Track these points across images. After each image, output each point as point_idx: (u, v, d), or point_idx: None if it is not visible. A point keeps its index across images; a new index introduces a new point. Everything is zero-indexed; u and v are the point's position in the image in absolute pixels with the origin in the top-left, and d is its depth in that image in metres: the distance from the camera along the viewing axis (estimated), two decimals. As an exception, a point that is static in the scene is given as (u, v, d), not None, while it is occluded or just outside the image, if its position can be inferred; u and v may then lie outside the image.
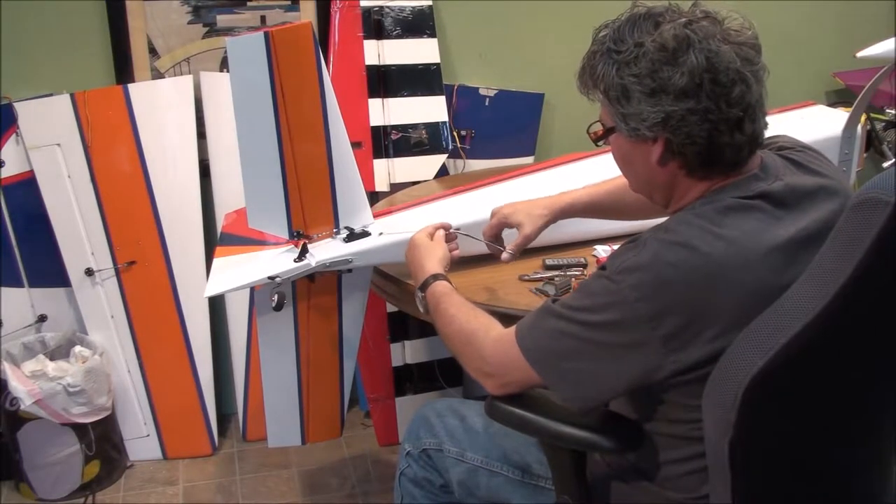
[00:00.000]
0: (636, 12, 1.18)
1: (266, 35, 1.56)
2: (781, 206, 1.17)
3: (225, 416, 2.68)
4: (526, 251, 1.80)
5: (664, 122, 1.15)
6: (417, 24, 2.47)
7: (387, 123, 2.45)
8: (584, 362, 1.18)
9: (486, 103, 2.60)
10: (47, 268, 2.39)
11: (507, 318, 1.40)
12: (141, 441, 2.52)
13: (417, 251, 1.58)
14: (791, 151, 1.29)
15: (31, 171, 2.32)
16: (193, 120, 2.40)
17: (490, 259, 1.80)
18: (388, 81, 2.45)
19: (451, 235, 1.64)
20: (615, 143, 1.26)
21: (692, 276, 1.11)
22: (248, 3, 2.42)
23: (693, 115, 1.13)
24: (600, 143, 1.29)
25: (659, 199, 1.28)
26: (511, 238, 1.67)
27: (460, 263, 1.79)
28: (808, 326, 0.98)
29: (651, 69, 1.14)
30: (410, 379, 2.56)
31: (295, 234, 1.71)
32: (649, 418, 1.25)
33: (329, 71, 2.28)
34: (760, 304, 1.08)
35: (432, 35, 2.49)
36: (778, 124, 2.16)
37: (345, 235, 1.74)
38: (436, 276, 1.49)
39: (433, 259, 1.54)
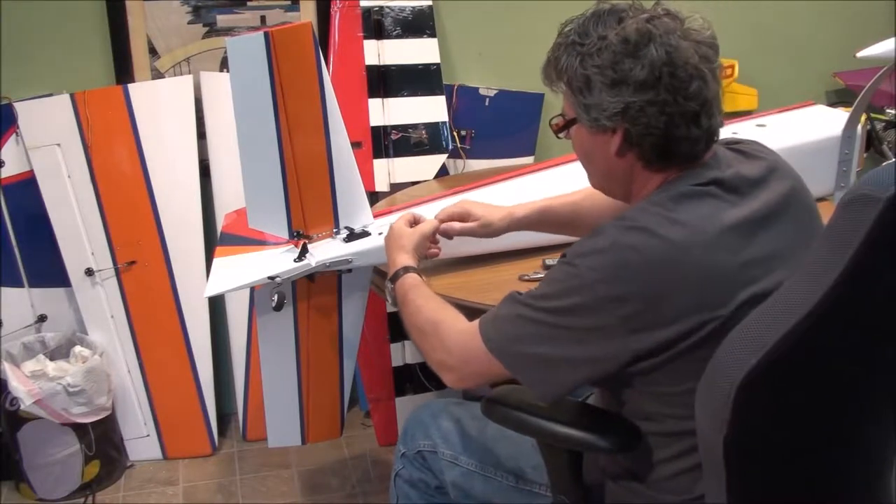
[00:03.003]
0: (601, 8, 1.22)
1: (266, 35, 1.56)
2: (734, 191, 1.21)
3: (225, 416, 2.68)
4: (526, 251, 1.81)
5: (623, 112, 1.18)
6: (417, 24, 2.47)
7: (387, 123, 2.45)
8: (545, 347, 1.19)
9: (486, 103, 2.60)
10: (47, 268, 2.39)
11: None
12: (141, 441, 2.53)
13: (389, 241, 1.59)
14: (738, 144, 1.34)
15: (31, 171, 2.32)
16: (193, 120, 2.40)
17: (490, 259, 1.81)
18: (388, 81, 2.45)
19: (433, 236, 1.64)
20: (576, 135, 1.29)
21: (651, 258, 1.13)
22: (248, 3, 2.42)
23: (651, 107, 1.17)
24: (561, 134, 1.32)
25: (618, 192, 1.31)
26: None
27: (459, 263, 1.79)
28: (800, 323, 0.98)
29: (613, 61, 1.17)
30: (410, 379, 2.55)
31: (295, 234, 1.71)
32: (628, 416, 1.26)
33: (329, 71, 2.28)
34: (719, 284, 1.12)
35: (432, 35, 2.49)
36: (778, 124, 2.18)
37: (345, 235, 1.74)
38: (406, 269, 1.49)
39: (404, 251, 1.54)
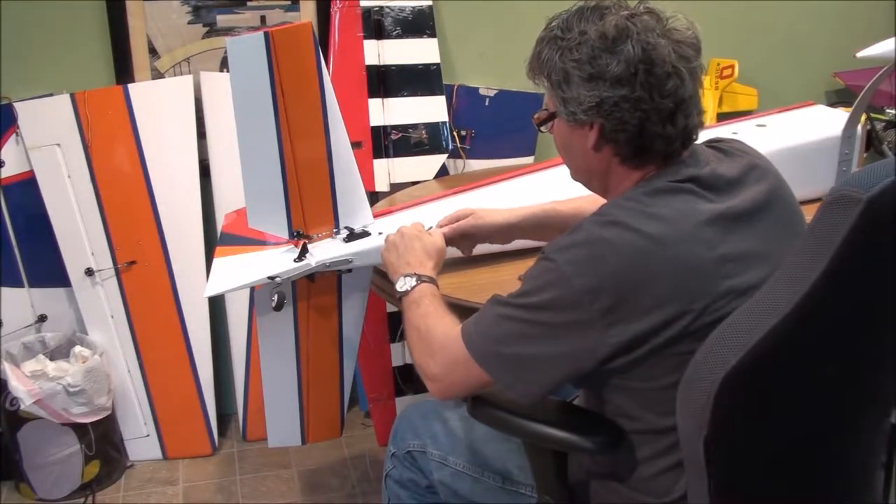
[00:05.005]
0: (586, 4, 1.24)
1: (266, 35, 1.56)
2: (711, 189, 1.21)
3: (225, 416, 2.68)
4: (526, 251, 1.80)
5: (598, 106, 1.20)
6: (417, 24, 2.47)
7: (387, 123, 2.45)
8: (524, 346, 1.20)
9: (486, 103, 2.60)
10: (47, 268, 2.39)
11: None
12: (141, 441, 2.53)
13: (418, 243, 1.54)
14: (720, 143, 1.34)
15: (31, 171, 2.32)
16: (193, 120, 2.40)
17: (490, 259, 1.80)
18: (388, 81, 2.45)
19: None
20: (557, 129, 1.31)
21: (626, 250, 1.14)
22: (248, 3, 2.42)
23: (626, 103, 1.18)
24: (543, 128, 1.34)
25: (597, 187, 1.33)
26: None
27: (459, 263, 1.80)
28: (780, 324, 0.98)
29: (591, 56, 1.19)
30: (410, 379, 2.56)
31: (295, 234, 1.71)
32: (606, 416, 1.27)
33: (329, 71, 2.28)
34: (694, 277, 1.13)
35: (432, 35, 2.49)
36: (778, 124, 2.18)
37: (345, 235, 1.74)
38: (432, 279, 1.49)
39: (434, 263, 1.52)
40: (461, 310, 1.40)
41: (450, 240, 1.65)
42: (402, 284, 1.46)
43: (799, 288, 0.96)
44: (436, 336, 1.33)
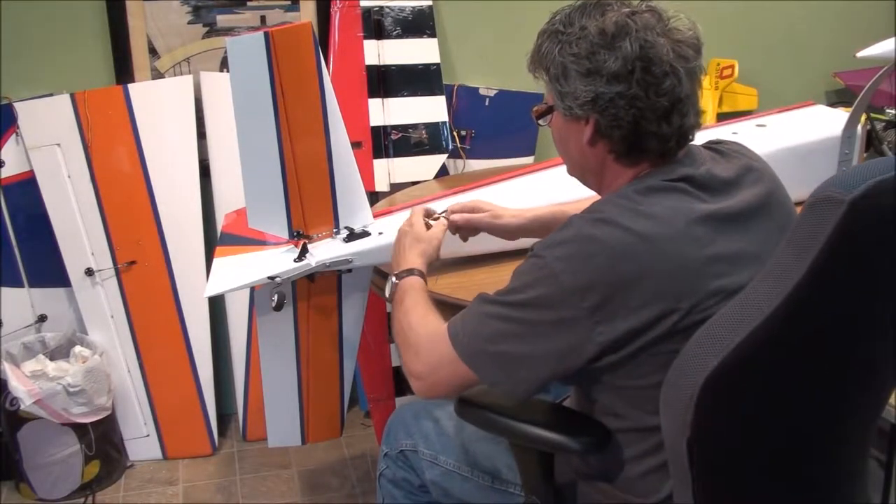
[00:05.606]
0: (589, 1, 1.24)
1: (266, 35, 1.56)
2: (704, 189, 1.21)
3: (225, 416, 2.68)
4: (526, 252, 1.80)
5: (593, 101, 1.20)
6: (417, 24, 2.47)
7: (387, 123, 2.45)
8: (511, 345, 1.20)
9: (486, 103, 2.60)
10: (47, 268, 2.39)
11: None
12: (141, 441, 2.53)
13: (405, 237, 1.56)
14: (718, 144, 1.34)
15: (31, 171, 2.32)
16: (193, 120, 2.40)
17: (490, 259, 1.80)
18: (388, 81, 2.45)
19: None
20: (554, 123, 1.31)
21: (615, 248, 1.14)
22: (248, 3, 2.42)
23: (621, 99, 1.18)
24: (541, 121, 1.34)
25: (591, 182, 1.33)
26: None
27: (459, 263, 1.80)
28: (762, 325, 0.98)
29: (589, 51, 1.19)
30: (410, 379, 2.56)
31: (295, 234, 1.71)
32: (595, 414, 1.27)
33: (329, 71, 2.28)
34: (683, 275, 1.13)
35: (432, 35, 2.49)
36: (778, 124, 2.18)
37: (345, 235, 1.74)
38: (417, 271, 1.48)
39: (418, 254, 1.52)
40: (459, 309, 1.40)
41: (458, 228, 1.65)
42: (389, 287, 1.49)
43: (781, 289, 0.96)
44: (421, 334, 1.33)
